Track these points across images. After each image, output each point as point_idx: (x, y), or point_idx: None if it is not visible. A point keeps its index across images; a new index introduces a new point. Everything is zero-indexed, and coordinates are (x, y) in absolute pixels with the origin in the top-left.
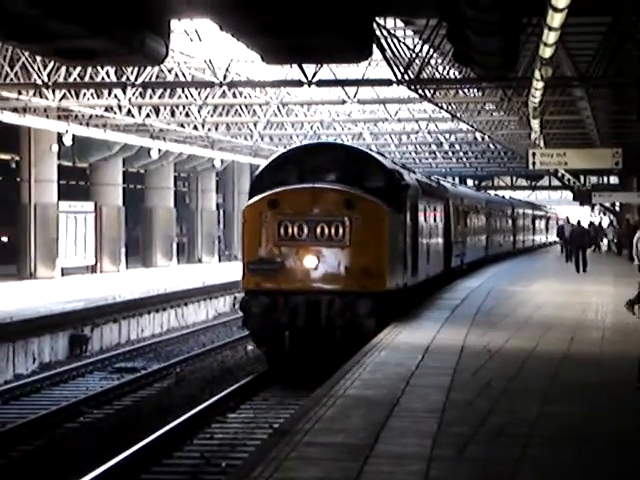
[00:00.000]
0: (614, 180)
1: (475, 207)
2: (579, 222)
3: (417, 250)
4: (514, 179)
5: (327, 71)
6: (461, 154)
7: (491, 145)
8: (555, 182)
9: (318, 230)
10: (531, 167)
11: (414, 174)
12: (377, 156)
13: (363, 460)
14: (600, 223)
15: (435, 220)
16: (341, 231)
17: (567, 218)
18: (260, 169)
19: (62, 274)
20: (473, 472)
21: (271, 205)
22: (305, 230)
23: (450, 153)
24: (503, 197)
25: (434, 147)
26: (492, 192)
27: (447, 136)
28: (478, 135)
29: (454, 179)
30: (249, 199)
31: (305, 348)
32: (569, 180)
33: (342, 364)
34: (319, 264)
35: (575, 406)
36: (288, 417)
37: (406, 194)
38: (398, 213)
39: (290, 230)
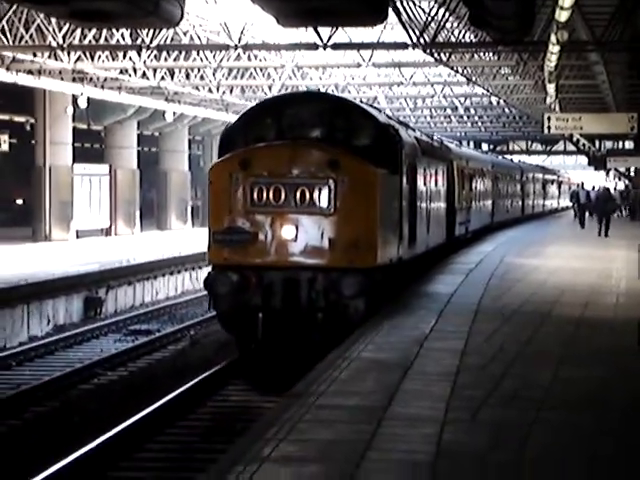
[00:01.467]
0: (629, 145)
1: (481, 170)
2: (605, 188)
3: (415, 218)
4: (529, 144)
5: (342, 34)
6: (476, 118)
7: (506, 109)
8: (570, 147)
9: (298, 195)
10: (546, 131)
11: (413, 131)
12: (368, 109)
13: (377, 422)
14: (615, 188)
15: (436, 184)
16: (325, 196)
17: (582, 183)
18: (231, 123)
19: (77, 237)
20: (487, 435)
21: (242, 165)
22: (282, 195)
23: (465, 117)
24: (511, 160)
25: (449, 111)
26: (501, 156)
27: (462, 100)
28: (493, 99)
29: (469, 143)
30: (219, 157)
31: (282, 334)
32: (584, 145)
33: (326, 353)
34: (298, 235)
35: (589, 370)
36: (302, 380)
37: (402, 153)
38: (392, 175)
39: (265, 194)
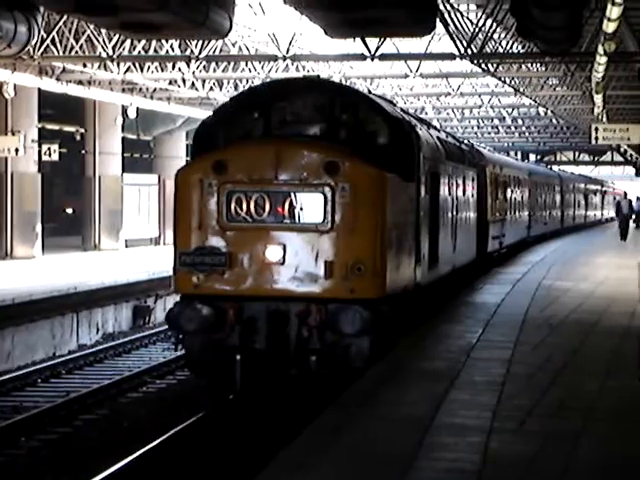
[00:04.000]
0: None
1: (517, 178)
2: None
3: (437, 233)
4: (576, 154)
5: (390, 45)
6: (523, 129)
7: (554, 120)
8: (618, 158)
9: (286, 206)
10: (593, 142)
11: (436, 131)
12: (378, 100)
13: (424, 431)
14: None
15: (465, 193)
16: (320, 208)
17: (624, 193)
18: (209, 116)
19: (126, 246)
20: (533, 444)
21: (216, 168)
22: (267, 206)
23: (512, 128)
24: (550, 168)
25: (496, 122)
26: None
27: (509, 111)
28: (541, 110)
29: (516, 154)
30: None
31: (265, 381)
32: (631, 155)
33: (321, 404)
34: (287, 257)
35: (637, 380)
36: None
37: (420, 156)
38: (407, 182)
39: (244, 206)
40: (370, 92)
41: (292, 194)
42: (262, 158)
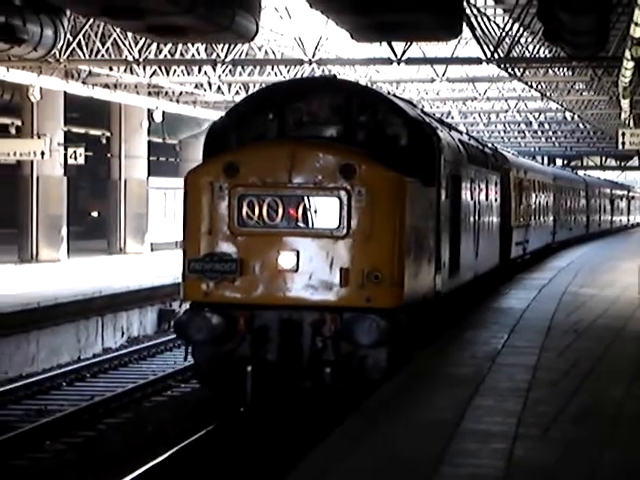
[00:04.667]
0: None
1: (541, 183)
2: None
3: (458, 240)
4: (603, 159)
5: (416, 49)
6: (550, 133)
7: (580, 125)
8: None
9: (300, 211)
10: (620, 147)
11: (458, 133)
12: (397, 101)
13: (449, 437)
14: None
15: (487, 197)
16: (335, 213)
17: None
18: (221, 117)
19: (151, 249)
20: (558, 451)
21: (228, 171)
22: (280, 210)
23: (539, 132)
24: (575, 172)
25: (523, 126)
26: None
27: (536, 115)
28: (568, 114)
29: (543, 159)
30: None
31: (278, 393)
32: None
33: (336, 419)
34: (300, 264)
35: None
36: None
37: (441, 159)
38: (427, 186)
39: (257, 210)
40: (389, 93)
41: (306, 198)
42: (275, 160)
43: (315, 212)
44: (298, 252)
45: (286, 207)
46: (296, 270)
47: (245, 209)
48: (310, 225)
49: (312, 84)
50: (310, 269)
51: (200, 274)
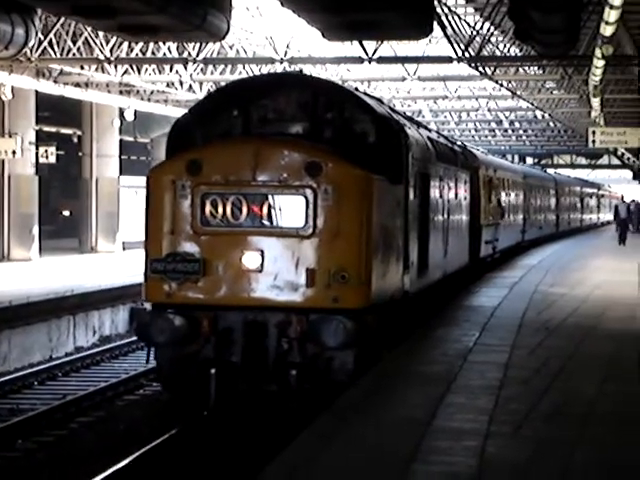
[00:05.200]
0: None
1: (511, 181)
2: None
3: (427, 238)
4: (574, 158)
5: (387, 48)
6: (521, 132)
7: (551, 123)
8: (615, 161)
9: (265, 209)
10: (591, 145)
11: (427, 131)
12: (365, 98)
13: (420, 435)
14: None
15: (457, 196)
16: (301, 212)
17: (621, 197)
18: (185, 114)
19: (123, 248)
20: (529, 449)
21: (190, 169)
22: (244, 209)
23: (510, 131)
24: (545, 171)
25: (494, 125)
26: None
27: (507, 114)
28: (538, 113)
29: (513, 157)
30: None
31: (242, 397)
32: (629, 159)
33: (302, 422)
34: (265, 264)
35: (634, 385)
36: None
37: (409, 156)
38: (394, 184)
39: (220, 209)
40: (357, 88)
41: (271, 196)
42: (239, 158)
43: (280, 211)
44: (263, 252)
45: (250, 206)
46: (261, 270)
47: (208, 208)
48: (275, 224)
49: (278, 80)
50: (275, 269)
51: (162, 274)
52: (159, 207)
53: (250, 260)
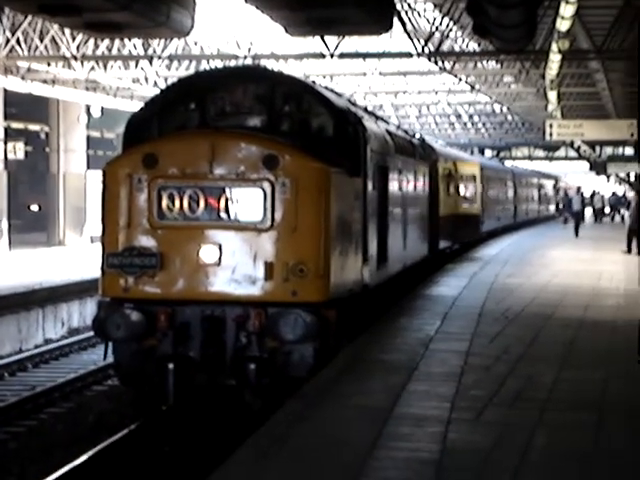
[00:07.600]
0: (629, 151)
1: (469, 173)
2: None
3: (386, 231)
4: (531, 150)
5: (349, 44)
6: (480, 125)
7: (509, 117)
8: (572, 153)
9: (222, 203)
10: (548, 138)
11: (385, 123)
12: (322, 91)
13: (383, 422)
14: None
15: (416, 188)
16: (259, 205)
17: (577, 188)
18: (141, 108)
19: (91, 241)
20: (491, 434)
21: (147, 162)
22: (201, 203)
23: (469, 124)
24: (502, 163)
25: (453, 118)
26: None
27: (466, 108)
28: (496, 107)
29: (472, 150)
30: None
31: (200, 392)
32: (585, 151)
33: (262, 416)
34: (223, 257)
35: (591, 372)
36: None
37: (367, 149)
38: (353, 177)
39: (177, 202)
40: (314, 82)
41: (228, 189)
42: (196, 151)
43: (238, 204)
44: (220, 245)
45: (207, 199)
46: (218, 264)
47: (165, 201)
48: (233, 217)
49: (235, 73)
50: (233, 263)
51: (119, 269)
52: (115, 201)
53: (207, 254)
